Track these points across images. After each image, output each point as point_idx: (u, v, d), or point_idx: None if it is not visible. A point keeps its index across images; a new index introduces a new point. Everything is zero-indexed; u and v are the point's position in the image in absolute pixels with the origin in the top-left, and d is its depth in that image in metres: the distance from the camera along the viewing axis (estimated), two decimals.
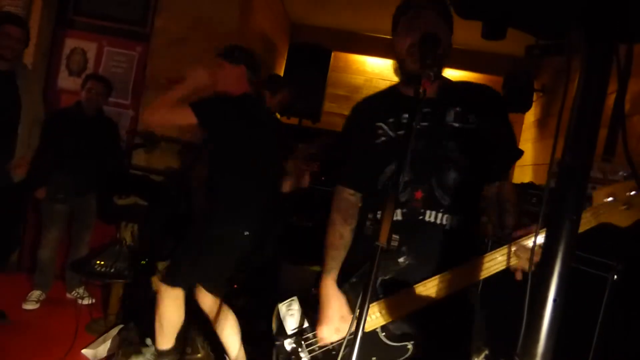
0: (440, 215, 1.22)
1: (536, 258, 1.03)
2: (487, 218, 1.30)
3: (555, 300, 0.55)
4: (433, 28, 1.17)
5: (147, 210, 2.99)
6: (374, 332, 1.19)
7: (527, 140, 4.39)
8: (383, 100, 1.37)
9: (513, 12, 0.58)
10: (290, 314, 1.30)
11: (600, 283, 1.69)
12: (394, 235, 0.91)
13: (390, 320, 1.18)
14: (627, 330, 1.68)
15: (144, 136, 3.40)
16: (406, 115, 1.26)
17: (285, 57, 4.50)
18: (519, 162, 4.69)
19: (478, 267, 1.14)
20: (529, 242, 1.12)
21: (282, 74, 4.55)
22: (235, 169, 2.12)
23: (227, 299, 2.86)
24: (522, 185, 2.60)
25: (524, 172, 4.12)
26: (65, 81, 3.66)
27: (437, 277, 1.16)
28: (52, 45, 3.64)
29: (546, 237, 0.57)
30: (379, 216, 1.23)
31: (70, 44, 3.66)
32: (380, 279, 1.20)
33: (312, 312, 1.28)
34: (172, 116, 2.00)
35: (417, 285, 1.17)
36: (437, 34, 1.13)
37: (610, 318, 1.68)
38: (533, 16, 0.59)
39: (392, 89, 1.38)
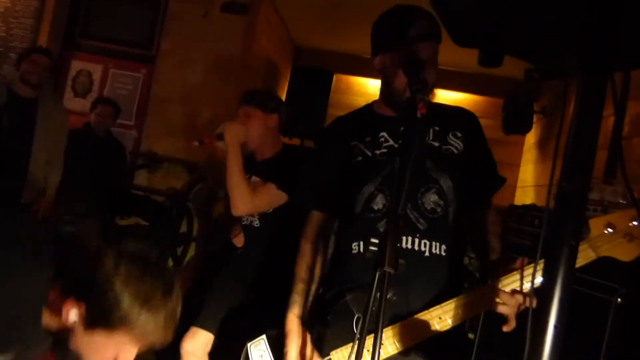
0: (417, 240, 1.11)
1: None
2: (474, 253, 1.24)
3: (556, 327, 0.55)
4: (435, 58, 1.15)
5: (148, 230, 2.98)
6: None
7: (529, 161, 4.40)
8: (358, 120, 1.31)
9: (509, 41, 0.60)
10: (259, 355, 1.23)
11: (604, 306, 1.67)
12: (400, 260, 0.84)
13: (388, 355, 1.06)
14: (632, 354, 1.65)
15: (147, 157, 3.43)
16: (384, 134, 1.21)
17: (288, 80, 4.57)
18: (520, 184, 4.69)
19: (487, 295, 1.03)
20: (512, 284, 1.01)
21: (284, 96, 4.61)
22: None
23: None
24: (524, 206, 2.59)
25: (526, 194, 4.11)
26: (71, 102, 3.71)
27: (439, 306, 1.05)
28: (59, 67, 3.71)
29: (545, 263, 0.57)
30: (361, 247, 1.16)
31: (76, 65, 3.73)
32: (356, 316, 1.09)
33: (280, 352, 1.20)
34: (264, 204, 1.82)
35: (417, 315, 1.06)
36: (420, 58, 1.09)
37: (614, 342, 1.65)
38: (529, 44, 0.61)
39: (366, 109, 1.33)
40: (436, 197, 1.14)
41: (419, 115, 0.92)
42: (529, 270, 1.02)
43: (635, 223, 0.91)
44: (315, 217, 1.31)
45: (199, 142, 1.87)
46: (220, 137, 1.79)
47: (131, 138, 3.63)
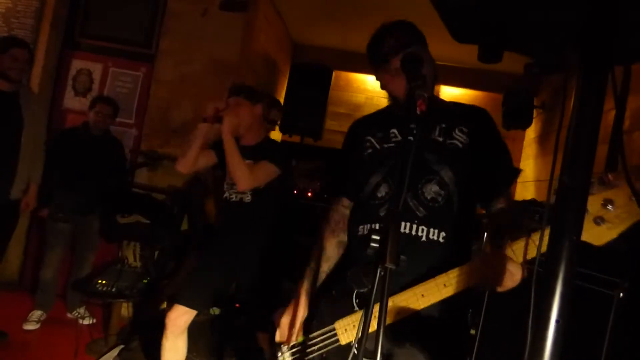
0: (415, 226, 1.20)
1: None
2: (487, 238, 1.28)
3: (557, 322, 0.55)
4: (429, 61, 1.24)
5: (150, 228, 2.99)
6: (348, 346, 1.18)
7: (529, 156, 4.39)
8: (375, 118, 1.44)
9: (509, 37, 0.60)
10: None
11: (606, 301, 1.67)
12: (402, 257, 0.88)
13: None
14: (634, 348, 1.66)
15: (147, 155, 3.42)
16: (394, 130, 1.32)
17: (287, 77, 4.56)
18: (520, 179, 4.70)
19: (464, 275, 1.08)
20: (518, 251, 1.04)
21: (284, 93, 4.60)
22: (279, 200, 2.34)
23: (229, 318, 2.84)
24: (524, 202, 2.59)
25: (526, 189, 4.11)
26: (71, 101, 3.71)
27: (424, 283, 1.11)
28: (59, 67, 3.70)
29: (547, 258, 0.57)
30: (365, 229, 1.28)
31: (76, 65, 3.72)
32: (355, 291, 1.21)
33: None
34: (262, 177, 2.16)
35: (403, 292, 1.13)
36: (418, 54, 1.16)
37: (616, 337, 1.65)
38: (529, 39, 0.61)
39: (386, 108, 1.44)
40: (437, 187, 1.22)
41: (418, 111, 0.94)
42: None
43: (609, 207, 0.88)
44: (335, 202, 1.44)
45: (203, 119, 2.12)
46: (219, 120, 2.08)
47: (131, 136, 3.63)
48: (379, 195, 1.28)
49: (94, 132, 3.11)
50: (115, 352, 2.66)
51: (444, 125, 1.27)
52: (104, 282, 2.75)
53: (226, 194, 2.26)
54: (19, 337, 2.81)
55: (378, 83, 1.38)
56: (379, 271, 0.81)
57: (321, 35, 4.65)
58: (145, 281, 2.88)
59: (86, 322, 3.14)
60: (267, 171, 2.15)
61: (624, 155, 0.75)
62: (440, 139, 1.26)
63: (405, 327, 1.13)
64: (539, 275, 0.62)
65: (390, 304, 1.10)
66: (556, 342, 0.55)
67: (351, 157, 1.41)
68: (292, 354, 1.31)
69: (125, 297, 2.78)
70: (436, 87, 1.40)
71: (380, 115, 1.44)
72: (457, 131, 1.27)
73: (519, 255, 1.05)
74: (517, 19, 0.60)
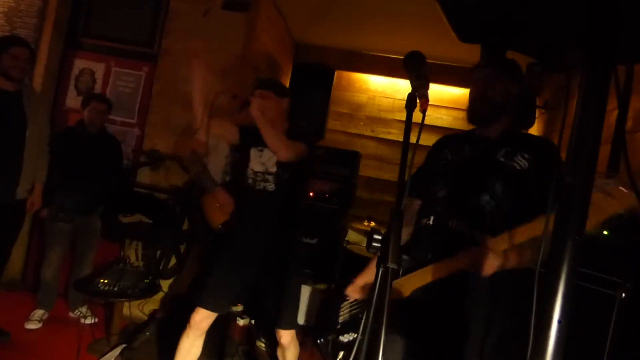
0: (461, 224, 1.42)
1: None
2: None
3: (560, 322, 0.54)
4: (485, 83, 1.47)
5: (152, 228, 2.99)
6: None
7: None
8: (458, 136, 1.67)
9: (512, 37, 0.60)
10: None
11: (608, 301, 1.66)
12: (403, 257, 0.95)
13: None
14: (636, 349, 1.65)
15: (149, 154, 3.43)
16: (467, 147, 1.56)
17: (289, 76, 4.55)
18: None
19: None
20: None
21: None
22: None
23: (232, 318, 2.85)
24: None
25: None
26: (74, 101, 3.72)
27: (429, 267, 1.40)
28: (61, 66, 3.71)
29: (550, 258, 0.57)
30: (424, 221, 1.54)
31: (79, 64, 3.73)
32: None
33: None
34: (299, 151, 2.17)
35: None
36: (419, 53, 1.20)
37: (619, 337, 1.64)
38: (532, 40, 0.61)
39: (470, 130, 1.65)
40: (488, 197, 1.43)
41: (420, 110, 0.96)
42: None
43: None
44: (411, 201, 1.69)
45: (233, 96, 2.20)
46: (246, 103, 2.11)
47: (133, 136, 3.64)
48: (440, 195, 1.54)
49: (91, 130, 3.11)
50: (117, 351, 2.67)
51: (509, 149, 1.46)
52: (106, 281, 2.76)
53: (250, 181, 2.20)
54: (21, 337, 2.82)
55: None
56: (380, 270, 0.82)
57: (323, 35, 4.64)
58: (147, 281, 2.89)
59: (88, 321, 3.15)
60: (300, 148, 2.16)
61: (627, 154, 0.74)
62: (502, 160, 1.46)
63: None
64: (541, 276, 0.62)
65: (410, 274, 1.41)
66: (558, 342, 0.55)
67: (429, 166, 1.67)
68: (351, 307, 1.68)
69: (127, 296, 2.78)
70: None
71: (462, 135, 1.67)
72: (519, 156, 1.44)
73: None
74: (520, 19, 0.60)
